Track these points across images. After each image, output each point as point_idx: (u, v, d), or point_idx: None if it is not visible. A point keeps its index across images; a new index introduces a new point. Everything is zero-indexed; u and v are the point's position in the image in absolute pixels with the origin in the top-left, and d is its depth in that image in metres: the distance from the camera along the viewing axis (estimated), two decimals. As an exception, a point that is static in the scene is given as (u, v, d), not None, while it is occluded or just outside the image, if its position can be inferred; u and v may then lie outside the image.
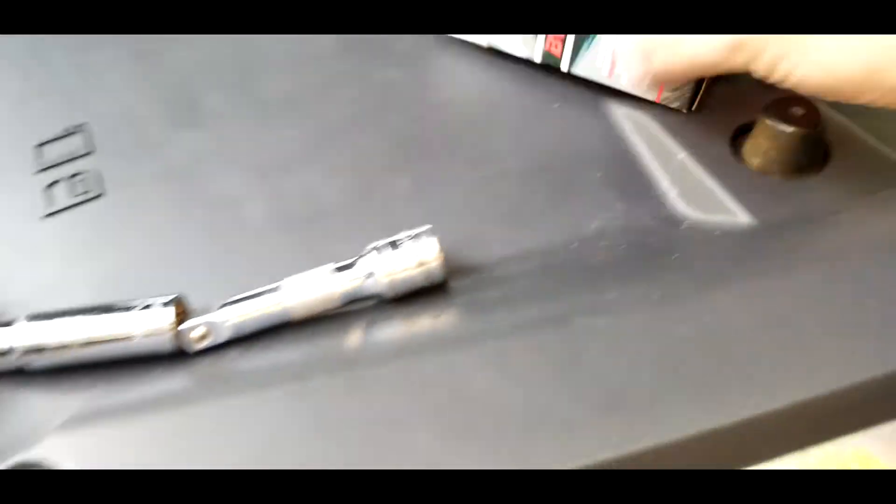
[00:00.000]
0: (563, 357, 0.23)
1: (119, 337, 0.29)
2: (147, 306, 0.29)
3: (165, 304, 0.29)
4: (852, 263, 0.25)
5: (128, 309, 0.29)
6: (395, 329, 0.27)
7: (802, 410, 0.21)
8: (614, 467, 0.21)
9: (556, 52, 0.35)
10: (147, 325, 0.29)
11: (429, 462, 0.21)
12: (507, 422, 0.22)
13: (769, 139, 0.31)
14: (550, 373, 0.23)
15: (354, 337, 0.27)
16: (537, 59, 0.37)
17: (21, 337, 0.29)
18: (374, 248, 0.30)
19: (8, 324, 0.29)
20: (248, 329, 0.29)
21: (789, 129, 0.31)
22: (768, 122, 0.31)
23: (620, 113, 0.35)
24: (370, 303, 0.30)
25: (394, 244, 0.29)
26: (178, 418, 0.24)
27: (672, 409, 0.21)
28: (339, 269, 0.30)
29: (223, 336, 0.29)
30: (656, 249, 0.29)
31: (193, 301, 0.30)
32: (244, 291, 0.30)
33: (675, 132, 0.34)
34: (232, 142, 0.36)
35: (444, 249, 0.29)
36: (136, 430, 0.24)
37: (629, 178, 0.33)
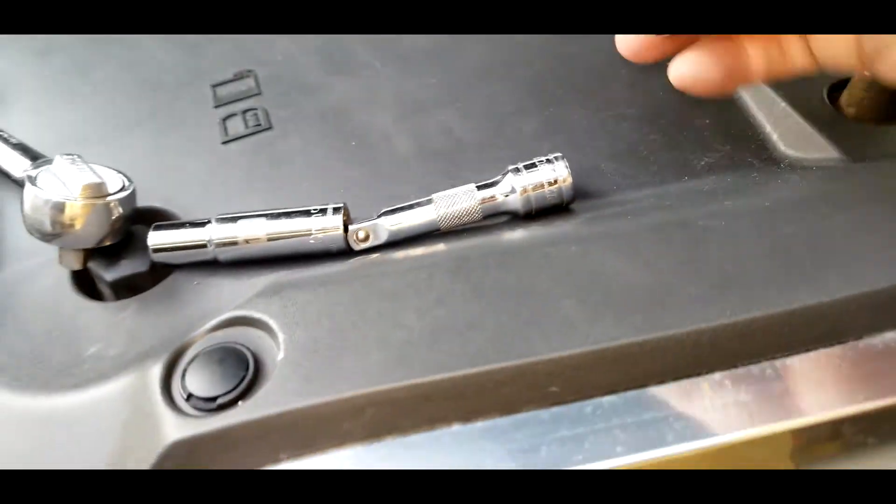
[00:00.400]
0: (685, 248, 0.28)
1: (299, 233, 0.34)
2: (321, 210, 0.35)
3: (336, 209, 0.35)
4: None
5: (306, 213, 0.35)
6: (535, 229, 0.32)
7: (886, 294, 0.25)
8: (729, 333, 0.25)
9: None
10: (322, 224, 0.34)
11: (571, 325, 0.26)
12: (637, 296, 0.27)
13: (864, 89, 0.35)
14: (674, 260, 0.27)
15: (499, 234, 0.32)
16: None
17: (215, 232, 0.35)
18: (513, 169, 0.35)
19: (203, 223, 0.35)
20: (403, 234, 0.35)
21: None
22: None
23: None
24: (504, 218, 0.35)
25: (529, 165, 0.34)
26: (360, 284, 0.29)
27: (777, 289, 0.26)
28: (482, 186, 0.35)
29: (382, 238, 0.35)
30: (760, 182, 0.33)
31: (353, 213, 0.36)
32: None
33: (776, 84, 0.37)
34: (378, 88, 0.42)
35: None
36: (325, 294, 0.29)
37: (734, 123, 0.37)
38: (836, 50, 0.28)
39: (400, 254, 0.32)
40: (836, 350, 0.25)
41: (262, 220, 0.35)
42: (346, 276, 0.30)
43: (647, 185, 0.35)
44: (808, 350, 0.25)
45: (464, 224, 0.35)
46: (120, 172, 0.36)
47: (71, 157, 0.35)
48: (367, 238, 0.35)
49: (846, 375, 0.25)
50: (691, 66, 0.31)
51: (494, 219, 0.35)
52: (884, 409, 0.24)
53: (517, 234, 0.32)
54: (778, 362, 0.25)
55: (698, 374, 0.26)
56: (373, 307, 0.28)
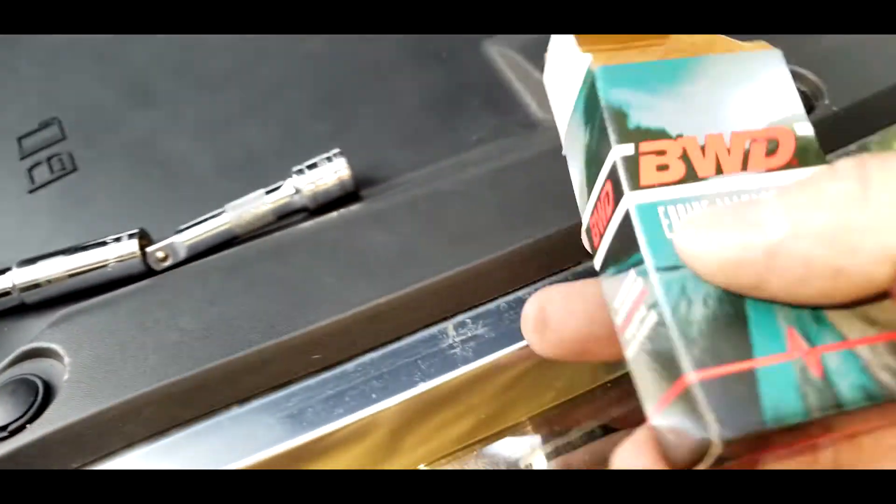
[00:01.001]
0: (429, 214, 0.31)
1: (97, 264, 0.36)
2: (117, 239, 0.36)
3: (131, 236, 0.36)
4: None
5: (102, 244, 0.36)
6: (313, 221, 0.34)
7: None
8: (464, 278, 0.28)
9: None
10: (118, 252, 0.36)
11: (329, 297, 0.28)
12: (386, 261, 0.29)
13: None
14: (419, 225, 0.30)
15: (285, 231, 0.34)
16: None
17: (17, 277, 0.36)
18: (297, 171, 0.37)
19: (4, 271, 0.36)
20: (201, 247, 0.36)
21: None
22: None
23: (493, 51, 0.43)
24: (301, 216, 0.37)
25: (311, 165, 0.37)
26: (139, 299, 0.31)
27: (502, 233, 0.29)
28: (270, 191, 0.37)
29: (181, 255, 0.36)
30: (510, 146, 0.37)
31: (160, 237, 0.37)
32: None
33: (534, 58, 0.41)
34: (178, 114, 0.44)
35: (357, 170, 0.36)
36: (108, 313, 0.31)
37: (501, 100, 0.41)
38: None
39: (190, 265, 0.34)
40: (559, 277, 0.29)
41: (62, 257, 0.36)
42: (129, 294, 0.32)
43: (426, 165, 0.38)
44: (534, 282, 0.29)
45: (259, 228, 0.37)
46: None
47: None
48: (166, 257, 0.36)
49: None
50: None
51: (290, 218, 0.37)
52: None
53: (298, 229, 0.34)
54: (510, 296, 0.28)
55: (444, 319, 0.28)
56: (151, 317, 0.30)
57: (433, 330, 0.28)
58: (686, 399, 0.18)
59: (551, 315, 0.22)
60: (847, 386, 0.18)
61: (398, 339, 0.28)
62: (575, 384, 0.29)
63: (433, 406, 0.27)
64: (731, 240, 0.18)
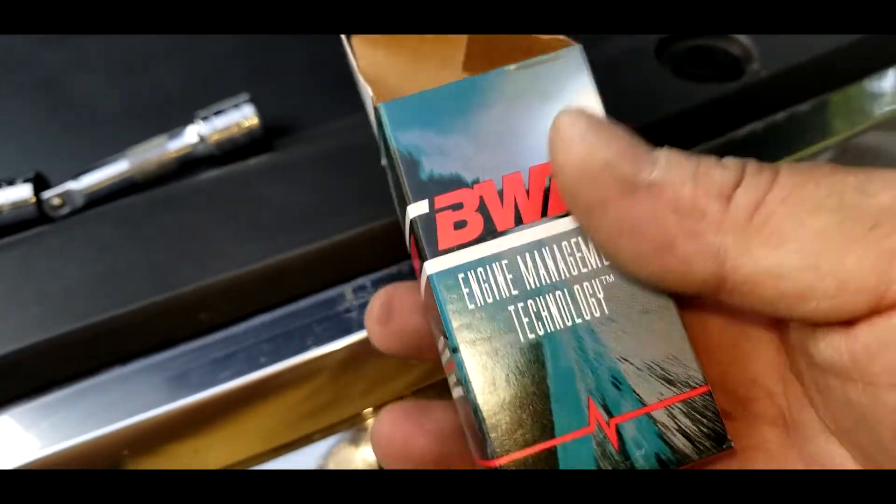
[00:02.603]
0: (345, 169, 0.29)
1: (-13, 209, 0.33)
2: (10, 182, 0.34)
3: (25, 180, 0.34)
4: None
5: (-7, 187, 0.34)
6: (216, 171, 0.33)
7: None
8: (364, 240, 0.27)
9: None
10: (10, 197, 0.34)
11: (220, 253, 0.27)
12: (285, 217, 0.28)
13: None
14: (328, 181, 0.29)
15: (184, 180, 0.33)
16: None
17: None
18: (203, 117, 0.35)
19: None
20: (101, 193, 0.34)
21: None
22: None
23: None
24: (209, 165, 0.36)
25: (218, 112, 0.35)
26: (28, 247, 0.29)
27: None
28: (172, 136, 0.35)
29: (79, 202, 0.34)
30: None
31: (58, 181, 0.35)
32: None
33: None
34: (90, 53, 0.41)
35: (270, 119, 0.34)
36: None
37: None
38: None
39: (83, 214, 0.32)
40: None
41: (-51, 200, 0.34)
42: (17, 242, 0.30)
43: (345, 116, 0.37)
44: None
45: (160, 175, 0.35)
46: None
47: None
48: (63, 205, 0.34)
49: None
50: None
51: (197, 167, 0.36)
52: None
53: (199, 178, 0.32)
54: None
55: (344, 282, 0.27)
56: (37, 266, 0.28)
57: (331, 293, 0.27)
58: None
59: (397, 307, 0.21)
60: (642, 456, 0.18)
61: (292, 300, 0.27)
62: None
63: (324, 372, 0.26)
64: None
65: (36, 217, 0.34)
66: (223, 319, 0.27)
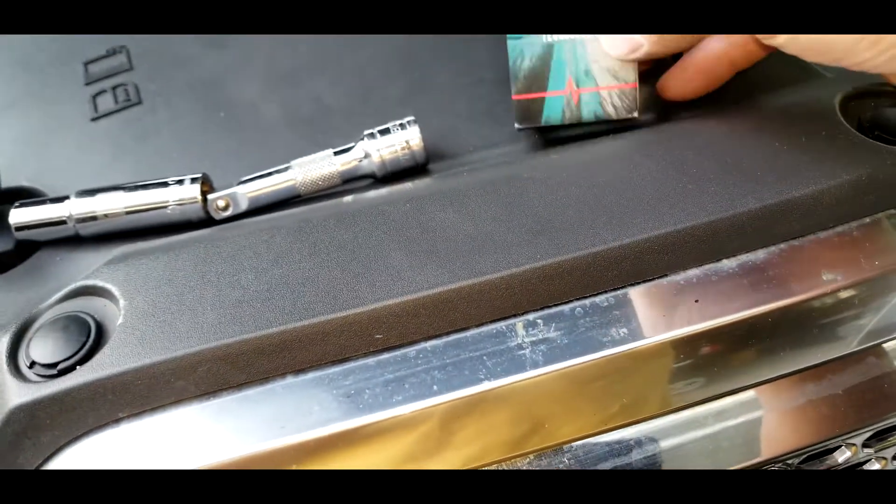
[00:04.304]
0: (508, 200, 0.29)
1: (156, 205, 0.35)
2: (179, 181, 0.35)
3: (193, 180, 0.35)
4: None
5: (163, 184, 0.35)
6: (380, 190, 0.33)
7: (687, 234, 0.27)
8: (538, 275, 0.26)
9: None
10: (179, 195, 0.35)
11: (397, 275, 0.27)
12: (459, 245, 0.28)
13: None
14: (496, 211, 0.29)
15: (351, 196, 0.33)
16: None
17: (74, 208, 0.35)
18: (368, 134, 0.35)
19: (62, 199, 0.35)
20: (262, 201, 0.35)
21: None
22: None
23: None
24: (366, 182, 0.36)
25: (384, 131, 0.35)
26: (202, 249, 0.30)
27: (584, 232, 0.27)
28: (338, 152, 0.36)
29: (242, 206, 0.35)
30: (604, 138, 0.35)
31: (218, 183, 0.36)
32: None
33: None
34: (249, 59, 0.42)
35: (428, 140, 0.35)
36: (167, 260, 0.30)
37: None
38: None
39: (254, 219, 0.33)
40: (639, 288, 0.27)
41: (121, 193, 0.35)
42: (191, 242, 0.31)
43: (500, 145, 0.37)
44: (613, 289, 0.27)
45: (323, 189, 0.36)
46: (-19, 152, 0.36)
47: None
48: (227, 207, 0.35)
49: (647, 312, 0.26)
50: (677, 83, 0.35)
51: (355, 182, 0.36)
52: (683, 338, 0.26)
53: (365, 196, 0.33)
54: (587, 300, 0.27)
55: (514, 316, 0.27)
56: (213, 269, 0.29)
57: (500, 325, 0.27)
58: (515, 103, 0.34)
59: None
60: (587, 111, 0.35)
61: (463, 328, 0.27)
62: (641, 404, 0.27)
63: (491, 406, 0.26)
64: None
65: (200, 217, 0.35)
66: (396, 342, 0.27)
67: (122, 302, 0.29)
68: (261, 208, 0.35)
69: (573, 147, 0.33)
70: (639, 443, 0.27)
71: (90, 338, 0.28)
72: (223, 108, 0.41)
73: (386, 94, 0.40)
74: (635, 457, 0.27)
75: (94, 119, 0.41)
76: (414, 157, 0.35)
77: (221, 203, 0.35)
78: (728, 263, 0.27)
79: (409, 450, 0.25)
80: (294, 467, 0.25)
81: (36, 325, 0.29)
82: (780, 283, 0.27)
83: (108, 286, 0.29)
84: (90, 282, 0.30)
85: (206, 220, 0.35)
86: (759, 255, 0.28)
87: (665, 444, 0.27)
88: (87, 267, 0.34)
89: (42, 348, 0.28)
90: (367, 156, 0.35)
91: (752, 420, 0.27)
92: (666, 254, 0.27)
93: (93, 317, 0.29)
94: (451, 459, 0.26)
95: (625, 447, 0.27)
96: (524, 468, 0.26)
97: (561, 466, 0.26)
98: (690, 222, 0.27)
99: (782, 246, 0.28)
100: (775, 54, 0.33)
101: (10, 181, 0.38)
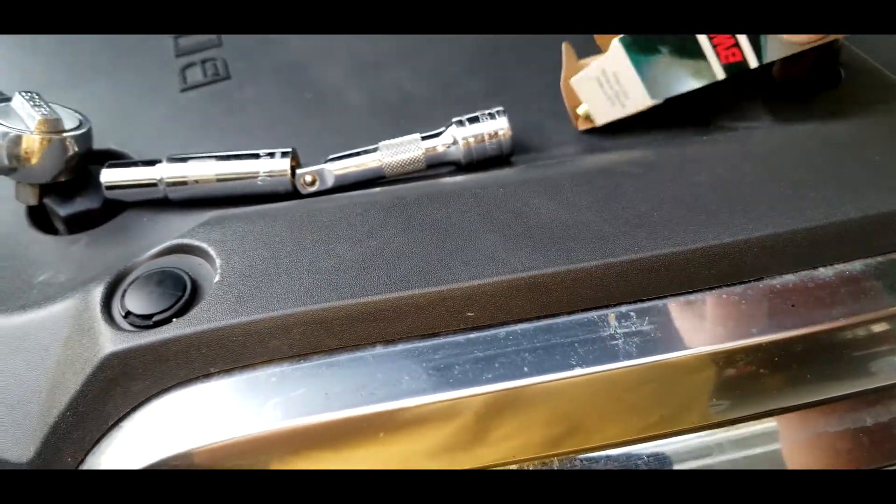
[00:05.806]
0: (603, 191, 0.29)
1: (247, 175, 0.36)
2: (270, 154, 0.36)
3: (284, 154, 0.36)
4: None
5: (254, 156, 0.36)
6: (472, 176, 0.34)
7: (786, 238, 0.27)
8: (636, 267, 0.27)
9: (736, 58, 0.33)
10: (270, 167, 0.35)
11: (491, 257, 0.28)
12: (554, 232, 0.28)
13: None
14: (592, 201, 0.29)
15: (438, 180, 0.34)
16: (721, 76, 0.34)
17: (166, 171, 0.36)
18: (457, 121, 0.36)
19: (155, 162, 0.36)
20: (348, 179, 0.36)
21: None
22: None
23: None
24: (448, 169, 0.37)
25: (472, 119, 0.36)
26: (298, 216, 0.30)
27: (682, 229, 0.27)
28: (426, 136, 0.36)
29: (328, 182, 0.36)
30: (683, 140, 0.35)
31: (301, 161, 0.37)
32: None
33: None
34: (334, 45, 0.43)
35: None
36: (264, 224, 0.30)
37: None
38: None
39: (345, 194, 0.34)
40: (736, 289, 0.27)
41: (212, 161, 0.36)
42: (286, 210, 0.31)
43: (583, 142, 0.37)
44: (709, 288, 0.27)
45: (408, 172, 0.36)
46: (77, 112, 0.37)
47: (30, 94, 0.36)
48: (314, 182, 0.36)
49: (743, 312, 0.26)
50: None
51: (438, 169, 0.37)
52: (774, 342, 0.26)
53: (454, 180, 0.33)
54: (682, 297, 0.27)
55: (606, 306, 0.27)
56: (308, 237, 0.30)
57: (592, 314, 0.27)
58: None
59: None
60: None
61: (554, 314, 0.27)
62: (738, 404, 0.27)
63: (581, 393, 0.26)
64: None
65: (287, 190, 0.36)
66: (487, 321, 0.27)
67: (218, 262, 0.29)
68: (345, 186, 0.36)
69: (669, 147, 0.33)
70: (745, 439, 0.27)
71: (185, 293, 0.29)
72: (308, 90, 0.41)
73: (468, 88, 0.41)
74: (733, 455, 0.27)
75: (183, 90, 0.42)
76: (500, 147, 0.36)
77: (309, 178, 0.36)
78: (824, 272, 0.27)
79: (495, 428, 0.26)
80: (381, 435, 0.25)
81: (130, 277, 0.30)
82: (876, 294, 0.27)
83: (205, 246, 0.30)
84: (186, 240, 0.31)
85: (292, 194, 0.36)
86: (856, 265, 0.28)
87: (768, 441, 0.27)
88: (173, 229, 0.35)
89: (138, 300, 0.29)
90: (454, 142, 0.36)
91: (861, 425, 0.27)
92: (764, 256, 0.27)
93: (189, 274, 0.29)
94: (535, 441, 0.26)
95: (716, 445, 0.27)
96: (615, 454, 0.26)
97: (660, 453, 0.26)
98: (790, 227, 0.27)
99: (880, 258, 0.28)
100: (870, 72, 0.33)
101: (98, 144, 0.39)
